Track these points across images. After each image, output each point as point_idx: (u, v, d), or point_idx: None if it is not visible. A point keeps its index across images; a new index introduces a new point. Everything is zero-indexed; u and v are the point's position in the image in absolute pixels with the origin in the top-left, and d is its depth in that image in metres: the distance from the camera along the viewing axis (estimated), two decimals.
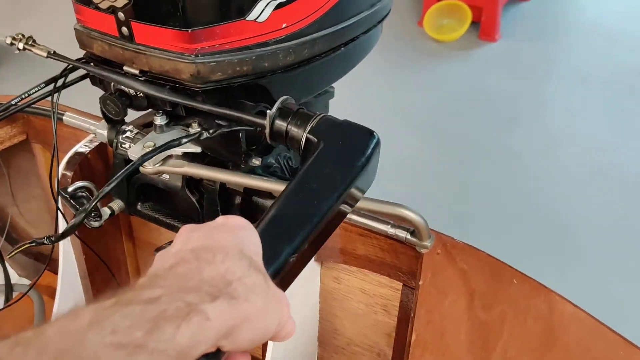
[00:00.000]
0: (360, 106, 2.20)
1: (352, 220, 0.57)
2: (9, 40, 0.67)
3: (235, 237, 0.35)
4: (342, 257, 0.63)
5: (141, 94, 0.55)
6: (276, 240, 0.40)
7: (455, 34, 2.58)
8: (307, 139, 0.51)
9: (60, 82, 0.62)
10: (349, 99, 2.21)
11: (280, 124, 0.52)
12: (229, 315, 0.30)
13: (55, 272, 0.98)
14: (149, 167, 0.56)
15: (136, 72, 0.53)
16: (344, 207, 0.46)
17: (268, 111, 0.52)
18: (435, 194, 1.89)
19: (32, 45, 0.65)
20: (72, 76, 0.63)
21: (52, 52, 0.63)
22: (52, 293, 0.99)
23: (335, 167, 0.47)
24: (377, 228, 0.56)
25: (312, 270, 0.67)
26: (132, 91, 0.56)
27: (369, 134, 0.50)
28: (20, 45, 0.66)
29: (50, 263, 0.94)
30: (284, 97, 0.53)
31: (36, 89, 0.63)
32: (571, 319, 0.52)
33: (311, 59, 0.59)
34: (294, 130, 0.52)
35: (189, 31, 0.49)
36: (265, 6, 0.51)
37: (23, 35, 0.66)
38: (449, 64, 2.50)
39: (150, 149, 0.55)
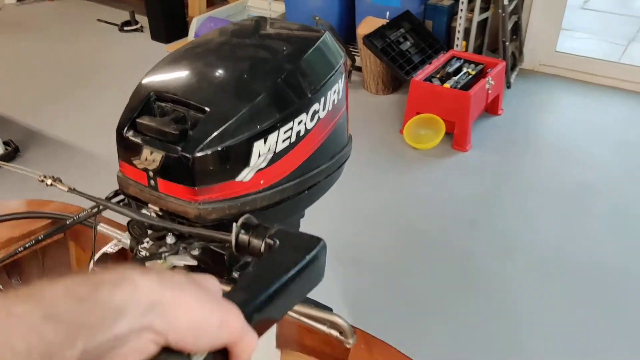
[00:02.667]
0: (344, 203, 2.44)
1: (302, 321, 0.77)
2: (41, 178, 0.87)
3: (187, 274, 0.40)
4: (296, 347, 0.82)
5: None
6: (249, 294, 0.44)
7: (431, 144, 2.85)
8: (266, 243, 0.60)
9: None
10: (335, 195, 2.45)
11: (243, 237, 0.61)
12: (156, 288, 0.35)
13: None
14: None
15: (157, 209, 0.75)
16: (299, 289, 0.51)
17: (234, 224, 0.61)
18: (398, 283, 2.09)
19: (58, 182, 0.87)
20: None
21: (72, 189, 0.85)
22: None
23: (288, 259, 0.53)
24: (319, 328, 0.76)
25: (273, 356, 0.85)
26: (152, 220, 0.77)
27: (317, 240, 0.56)
28: (49, 182, 0.87)
29: None
30: (246, 215, 0.63)
31: (81, 213, 0.85)
32: None
33: (281, 201, 0.81)
34: (255, 241, 0.60)
35: (196, 188, 0.71)
36: (249, 171, 0.74)
37: (52, 176, 0.88)
38: (423, 170, 2.76)
39: (164, 263, 0.76)
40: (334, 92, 0.87)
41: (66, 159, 2.83)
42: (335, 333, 0.75)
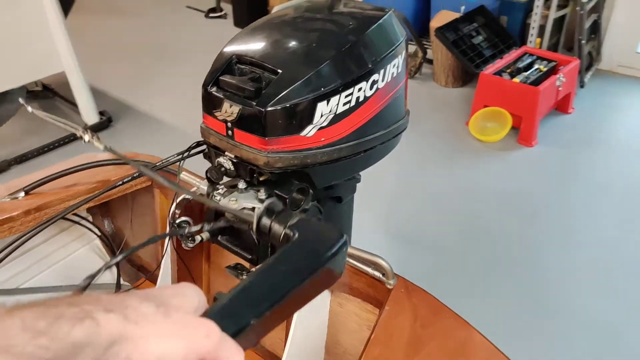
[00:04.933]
0: (408, 185, 2.50)
1: (350, 263, 0.86)
2: (79, 133, 0.89)
3: (163, 292, 0.39)
4: (344, 289, 0.91)
5: (232, 169, 0.88)
6: (241, 306, 0.43)
7: (496, 136, 2.86)
8: (285, 234, 0.59)
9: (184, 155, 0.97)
10: (399, 177, 2.54)
11: (266, 221, 0.64)
12: (117, 324, 0.34)
13: (152, 281, 1.31)
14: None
15: (232, 156, 0.86)
16: (310, 288, 0.50)
17: (256, 208, 0.65)
18: (452, 265, 2.13)
19: (95, 139, 0.89)
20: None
21: (108, 147, 0.88)
22: None
23: (303, 256, 0.51)
24: (365, 269, 0.85)
25: (323, 297, 0.95)
26: (226, 165, 0.89)
27: (338, 234, 0.54)
28: (87, 138, 0.89)
29: (148, 274, 1.28)
30: (271, 200, 0.68)
31: (169, 158, 0.97)
32: (479, 344, 0.78)
33: (339, 159, 0.90)
34: (276, 226, 0.62)
35: (266, 139, 0.81)
36: (312, 128, 0.84)
37: (90, 132, 0.91)
38: (488, 162, 2.77)
39: (235, 202, 0.87)
40: (394, 66, 0.95)
41: (153, 131, 3.06)
42: (378, 274, 0.83)
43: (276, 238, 0.62)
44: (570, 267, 2.12)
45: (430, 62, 3.60)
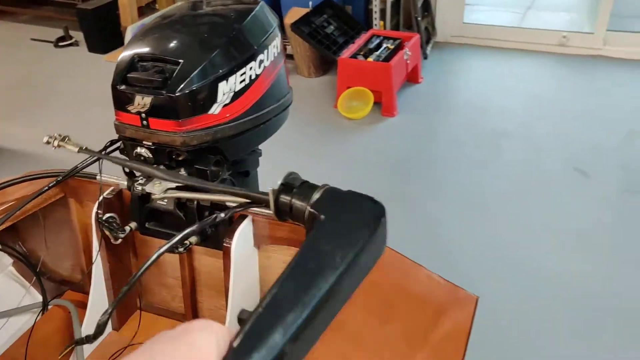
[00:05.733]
0: (297, 172, 2.66)
1: (268, 215, 0.99)
2: (45, 140, 0.99)
3: (164, 349, 0.32)
4: (269, 241, 1.04)
5: (151, 156, 0.97)
6: (269, 329, 0.34)
7: (363, 113, 3.12)
8: (309, 212, 0.48)
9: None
10: (281, 166, 2.67)
11: (285, 198, 0.55)
12: None
13: (78, 291, 1.33)
14: (158, 194, 0.97)
15: (150, 144, 0.95)
16: (350, 282, 0.40)
17: (270, 188, 0.53)
18: None
19: (67, 142, 1.01)
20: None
21: (83, 147, 1.02)
22: (78, 305, 1.33)
23: (335, 244, 0.41)
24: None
25: (252, 254, 1.07)
26: (145, 154, 0.97)
27: (372, 203, 0.45)
28: (56, 143, 1.01)
29: (72, 285, 1.31)
30: (289, 172, 0.55)
31: (86, 159, 1.04)
32: (389, 255, 0.95)
33: (244, 132, 1.02)
34: (298, 203, 0.52)
35: (180, 120, 0.91)
36: (218, 106, 0.95)
37: (59, 135, 1.04)
38: (358, 136, 3.02)
39: (160, 185, 0.96)
40: (274, 46, 1.10)
41: (30, 165, 2.92)
42: None
43: (300, 218, 0.53)
44: (445, 206, 2.42)
45: (290, 57, 3.80)
